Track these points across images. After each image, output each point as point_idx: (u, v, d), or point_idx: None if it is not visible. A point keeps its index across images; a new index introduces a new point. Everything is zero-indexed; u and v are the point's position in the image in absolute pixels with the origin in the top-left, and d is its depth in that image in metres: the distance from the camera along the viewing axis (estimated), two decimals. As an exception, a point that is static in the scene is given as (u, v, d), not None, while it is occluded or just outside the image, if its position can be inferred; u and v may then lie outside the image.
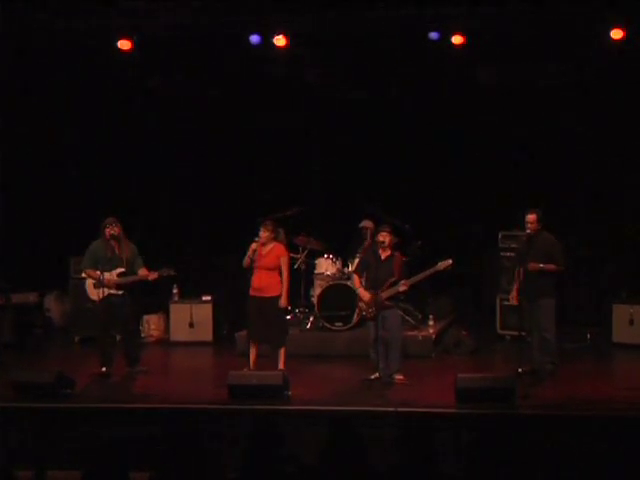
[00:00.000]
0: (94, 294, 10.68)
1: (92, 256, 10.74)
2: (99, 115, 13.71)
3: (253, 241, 10.33)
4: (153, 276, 10.76)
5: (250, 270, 10.40)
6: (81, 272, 11.24)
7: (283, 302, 10.37)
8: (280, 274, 10.35)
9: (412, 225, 12.18)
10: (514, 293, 10.64)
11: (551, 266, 10.24)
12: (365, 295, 10.38)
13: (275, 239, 10.42)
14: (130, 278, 10.73)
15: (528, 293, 10.33)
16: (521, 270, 10.51)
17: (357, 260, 12.26)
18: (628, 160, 12.93)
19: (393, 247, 10.43)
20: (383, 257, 10.37)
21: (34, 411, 9.21)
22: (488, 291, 13.19)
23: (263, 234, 10.29)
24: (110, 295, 10.64)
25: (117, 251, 10.71)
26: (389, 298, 10.23)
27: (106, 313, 10.67)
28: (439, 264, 10.21)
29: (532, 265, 10.24)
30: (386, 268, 10.28)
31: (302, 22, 12.25)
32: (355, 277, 10.65)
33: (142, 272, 10.77)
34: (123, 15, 12.17)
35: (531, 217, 10.36)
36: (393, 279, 10.19)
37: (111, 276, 10.64)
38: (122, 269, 10.70)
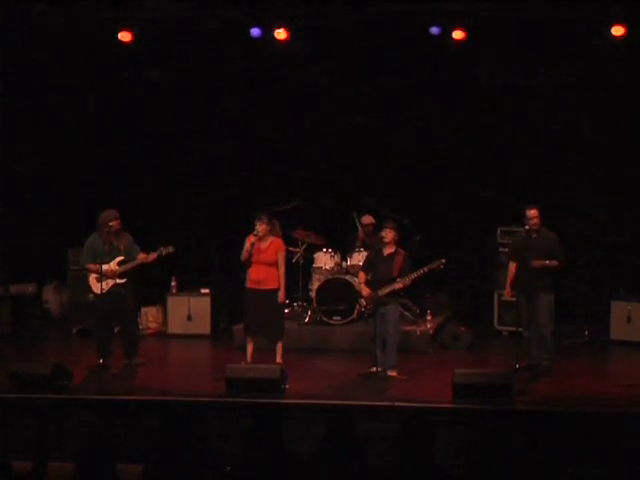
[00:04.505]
0: (97, 287, 10.65)
1: (90, 251, 10.73)
2: (99, 107, 13.68)
3: (251, 235, 10.32)
4: (152, 257, 10.76)
5: (247, 264, 10.40)
6: (80, 264, 11.25)
7: (282, 297, 10.40)
8: (277, 268, 10.36)
9: (411, 220, 12.17)
10: (508, 288, 10.68)
11: (554, 262, 10.27)
12: (364, 291, 10.44)
13: (271, 232, 10.42)
14: (131, 264, 10.72)
15: (528, 289, 10.33)
16: (515, 265, 10.55)
17: (356, 254, 12.35)
18: (628, 158, 12.91)
19: (395, 243, 10.46)
20: (386, 253, 10.41)
21: (31, 402, 9.20)
22: (486, 287, 13.18)
23: (260, 227, 10.27)
24: (114, 286, 10.65)
25: (114, 242, 10.71)
26: (387, 295, 10.26)
27: (109, 305, 10.66)
28: (433, 263, 10.30)
29: (538, 262, 10.23)
30: (388, 265, 10.31)
31: (303, 16, 12.23)
32: (361, 274, 10.70)
33: (141, 256, 10.78)
34: (124, 7, 12.15)
35: (533, 212, 10.37)
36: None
37: (110, 266, 10.64)
38: (121, 257, 10.70)
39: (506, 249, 12.47)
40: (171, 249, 10.74)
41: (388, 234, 10.37)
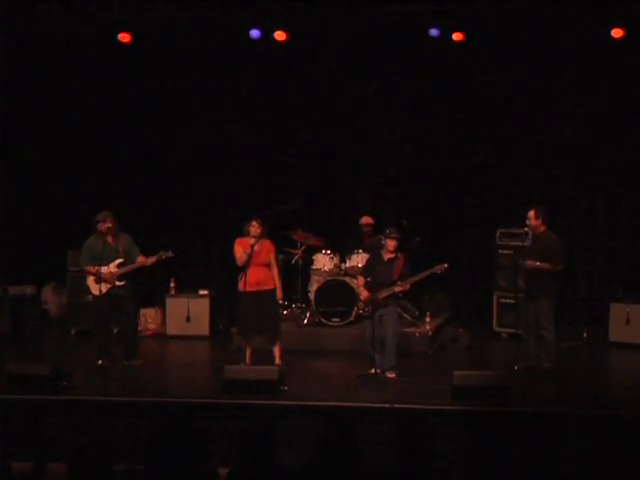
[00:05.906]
0: (96, 289, 10.65)
1: (89, 252, 10.74)
2: (98, 107, 13.69)
3: (239, 239, 10.33)
4: (151, 260, 10.77)
5: (245, 267, 10.37)
6: (79, 265, 11.25)
7: (280, 295, 10.46)
8: (270, 269, 10.40)
9: (411, 221, 12.16)
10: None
11: (546, 265, 10.23)
12: (362, 293, 10.45)
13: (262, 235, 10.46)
14: (129, 267, 10.74)
15: (529, 291, 10.34)
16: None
17: (355, 256, 12.35)
18: (628, 159, 12.91)
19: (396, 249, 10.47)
20: (386, 258, 10.43)
21: (30, 403, 9.20)
22: (485, 288, 13.18)
23: (257, 230, 10.30)
24: (113, 288, 10.66)
25: (113, 244, 10.71)
26: (387, 298, 10.27)
27: (108, 306, 10.67)
28: (435, 267, 10.27)
29: (529, 263, 10.25)
30: (388, 269, 10.32)
31: (302, 17, 12.24)
32: (360, 277, 10.71)
33: (140, 259, 10.79)
34: (123, 8, 12.15)
35: (530, 213, 10.39)
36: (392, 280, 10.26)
37: (109, 269, 10.64)
38: (120, 260, 10.70)
39: (505, 251, 12.51)
40: (171, 253, 10.75)
41: (393, 245, 10.36)
